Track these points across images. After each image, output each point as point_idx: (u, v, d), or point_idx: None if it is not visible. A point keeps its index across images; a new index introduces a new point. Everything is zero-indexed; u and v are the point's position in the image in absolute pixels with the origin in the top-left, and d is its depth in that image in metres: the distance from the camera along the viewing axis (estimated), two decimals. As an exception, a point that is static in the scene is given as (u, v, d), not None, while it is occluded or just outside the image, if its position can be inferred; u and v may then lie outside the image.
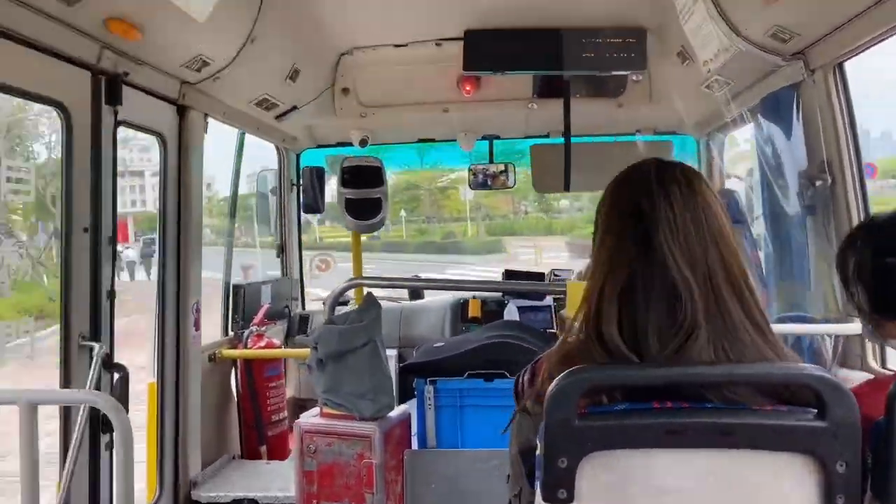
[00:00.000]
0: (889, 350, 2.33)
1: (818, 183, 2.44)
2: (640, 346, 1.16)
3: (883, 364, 2.32)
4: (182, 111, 2.70)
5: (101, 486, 2.15)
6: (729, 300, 1.16)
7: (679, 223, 1.17)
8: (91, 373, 2.05)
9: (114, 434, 1.48)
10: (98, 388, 2.12)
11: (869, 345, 2.35)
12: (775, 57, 2.44)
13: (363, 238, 3.13)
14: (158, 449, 2.70)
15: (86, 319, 2.14)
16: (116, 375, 2.19)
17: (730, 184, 3.97)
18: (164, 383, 2.71)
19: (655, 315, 1.16)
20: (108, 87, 2.18)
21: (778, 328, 2.57)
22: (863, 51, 2.22)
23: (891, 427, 1.06)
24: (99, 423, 2.08)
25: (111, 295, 2.22)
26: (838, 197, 2.41)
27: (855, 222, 2.34)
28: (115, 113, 2.23)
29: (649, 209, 1.19)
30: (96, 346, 2.09)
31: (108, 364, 2.16)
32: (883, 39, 2.10)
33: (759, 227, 2.98)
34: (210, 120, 2.94)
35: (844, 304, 2.40)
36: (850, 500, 1.06)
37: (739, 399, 1.11)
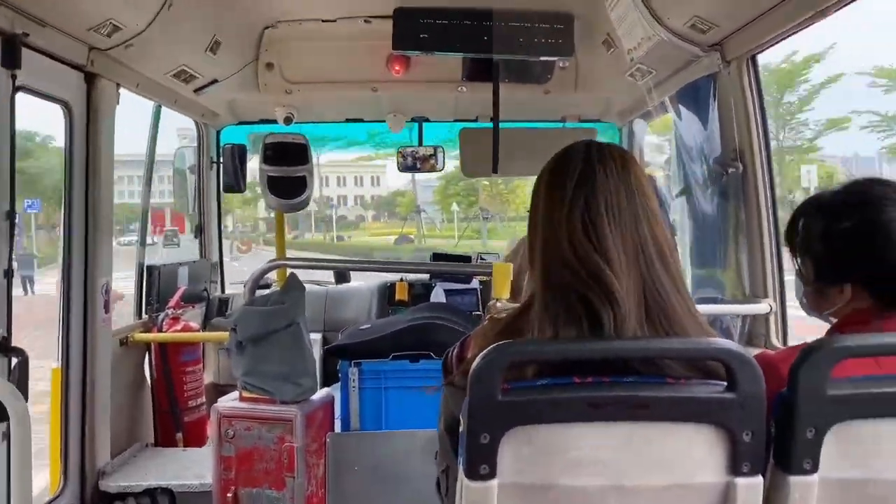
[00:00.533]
0: (791, 330, 2.48)
1: (730, 170, 2.55)
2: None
3: (784, 342, 2.47)
4: (90, 79, 2.52)
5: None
6: (662, 273, 1.20)
7: (614, 195, 1.22)
8: None
9: (10, 423, 1.37)
10: None
11: (772, 325, 2.49)
12: (694, 47, 2.52)
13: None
14: (62, 438, 2.54)
15: None
16: (14, 360, 2.03)
17: (649, 171, 4.11)
18: (68, 368, 2.55)
19: (587, 283, 1.18)
20: (5, 48, 2.01)
21: (692, 308, 2.71)
22: (774, 43, 2.33)
23: (793, 398, 1.11)
24: None
25: (7, 274, 2.06)
26: (748, 183, 2.53)
27: (764, 206, 2.47)
28: (13, 77, 2.06)
29: (591, 180, 1.23)
30: None
31: (5, 348, 2.00)
32: (793, 33, 2.21)
33: (675, 212, 3.10)
34: (124, 91, 2.77)
35: (752, 287, 2.54)
36: (755, 468, 1.11)
37: (666, 372, 1.14)
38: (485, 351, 1.11)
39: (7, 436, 1.97)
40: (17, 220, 2.13)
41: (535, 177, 1.33)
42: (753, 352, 2.18)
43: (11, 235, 2.09)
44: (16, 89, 2.08)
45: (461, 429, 1.13)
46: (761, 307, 2.43)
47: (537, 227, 1.28)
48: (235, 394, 2.41)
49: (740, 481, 1.10)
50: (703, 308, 2.64)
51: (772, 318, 2.46)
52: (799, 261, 1.39)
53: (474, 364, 1.11)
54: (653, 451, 1.10)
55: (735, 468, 1.10)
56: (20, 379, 2.03)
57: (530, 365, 1.18)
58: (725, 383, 1.11)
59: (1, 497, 1.98)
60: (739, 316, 2.54)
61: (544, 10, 3.16)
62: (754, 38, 2.33)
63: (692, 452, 1.11)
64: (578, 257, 1.19)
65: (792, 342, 2.40)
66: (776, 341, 2.46)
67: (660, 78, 2.95)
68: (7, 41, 2.00)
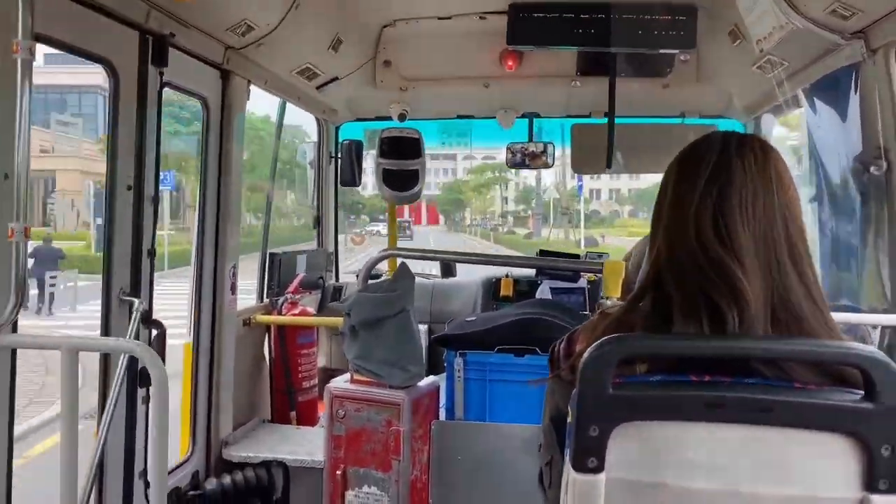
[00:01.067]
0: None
1: (873, 169, 2.34)
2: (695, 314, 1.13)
3: (931, 358, 2.24)
4: (225, 76, 2.72)
5: (136, 439, 2.21)
6: (791, 274, 1.13)
7: (750, 192, 1.15)
8: (130, 327, 2.10)
9: (151, 387, 1.51)
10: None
11: (917, 338, 2.27)
12: (834, 35, 2.33)
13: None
14: (192, 408, 2.76)
15: (126, 276, 2.18)
16: (154, 332, 2.23)
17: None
18: (199, 344, 2.76)
19: (711, 280, 1.12)
20: (155, 48, 2.21)
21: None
22: (929, 30, 2.11)
23: None
24: (137, 377, 2.13)
25: (151, 253, 2.26)
26: (893, 183, 2.31)
27: None
28: (161, 74, 2.26)
29: (726, 172, 1.16)
30: (136, 301, 2.14)
31: (147, 320, 2.21)
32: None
33: (808, 213, 2.88)
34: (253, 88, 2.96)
35: (893, 295, 2.32)
36: (894, 486, 1.02)
37: (790, 376, 1.07)
38: (598, 342, 1.09)
39: (147, 400, 2.18)
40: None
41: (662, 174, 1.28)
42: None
43: (156, 218, 2.29)
44: (163, 85, 2.28)
45: (569, 420, 1.12)
46: (903, 318, 2.21)
47: (662, 218, 1.22)
48: (347, 376, 2.52)
49: (876, 499, 1.02)
50: (836, 316, 2.46)
51: (917, 331, 2.24)
52: None
53: (586, 354, 1.09)
54: (774, 459, 1.04)
55: (870, 484, 1.02)
56: (159, 349, 2.23)
57: (642, 361, 1.15)
58: (862, 392, 1.03)
59: (140, 455, 2.20)
60: (878, 327, 2.32)
61: (666, 1, 3.04)
62: None
63: (820, 463, 1.04)
64: (706, 253, 1.14)
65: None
66: (920, 356, 2.23)
67: (792, 69, 2.76)
68: (157, 41, 2.20)
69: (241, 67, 2.74)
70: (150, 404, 1.51)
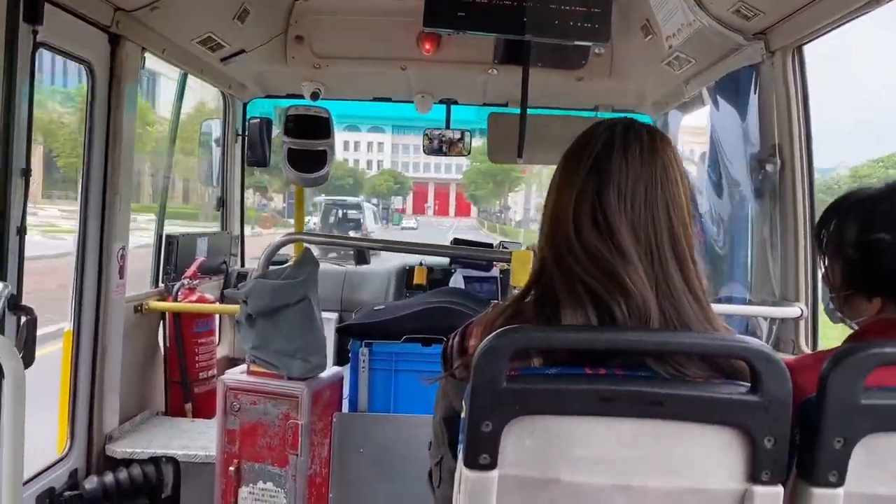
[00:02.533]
0: (821, 336, 2.37)
1: (768, 166, 2.43)
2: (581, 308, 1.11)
3: (814, 348, 2.36)
4: (115, 41, 2.49)
5: None
6: (672, 268, 1.12)
7: (630, 183, 1.13)
8: None
9: (3, 381, 1.35)
10: (1, 331, 1.95)
11: (802, 330, 2.38)
12: (737, 35, 2.41)
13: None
14: (71, 400, 2.55)
15: None
16: (23, 319, 2.02)
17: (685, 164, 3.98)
18: (80, 331, 2.54)
19: (593, 273, 1.11)
20: (27, 3, 1.98)
21: (718, 308, 2.61)
22: (822, 34, 2.21)
23: (822, 405, 1.03)
24: None
25: (21, 231, 2.04)
26: (786, 181, 2.41)
27: (801, 206, 2.35)
28: (35, 33, 2.03)
29: (606, 163, 1.14)
30: (0, 285, 1.92)
31: (14, 306, 1.99)
32: (842, 24, 2.09)
33: (707, 208, 2.98)
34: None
35: (783, 290, 2.42)
36: (776, 476, 1.04)
37: (680, 369, 1.07)
38: (491, 335, 1.05)
39: None
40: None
41: None
42: (783, 357, 2.10)
43: (26, 193, 2.07)
44: (37, 45, 2.05)
45: (462, 415, 1.08)
46: (792, 311, 2.32)
47: (547, 210, 1.20)
48: (244, 367, 2.38)
49: (759, 490, 1.03)
50: (728, 308, 2.56)
51: (802, 323, 2.35)
52: (826, 265, 1.29)
53: (479, 348, 1.05)
54: (665, 452, 1.04)
55: (754, 475, 1.03)
56: (27, 338, 2.01)
57: (538, 353, 1.11)
58: (749, 384, 1.04)
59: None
60: (767, 319, 2.43)
61: None
62: (802, 28, 2.21)
63: (708, 456, 1.04)
64: (584, 245, 1.12)
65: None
66: (805, 347, 2.35)
67: (698, 68, 2.84)
68: None
69: (133, 32, 2.52)
70: (3, 399, 1.34)
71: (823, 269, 1.32)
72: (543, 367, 1.12)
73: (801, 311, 2.33)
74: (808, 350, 2.35)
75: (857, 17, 1.99)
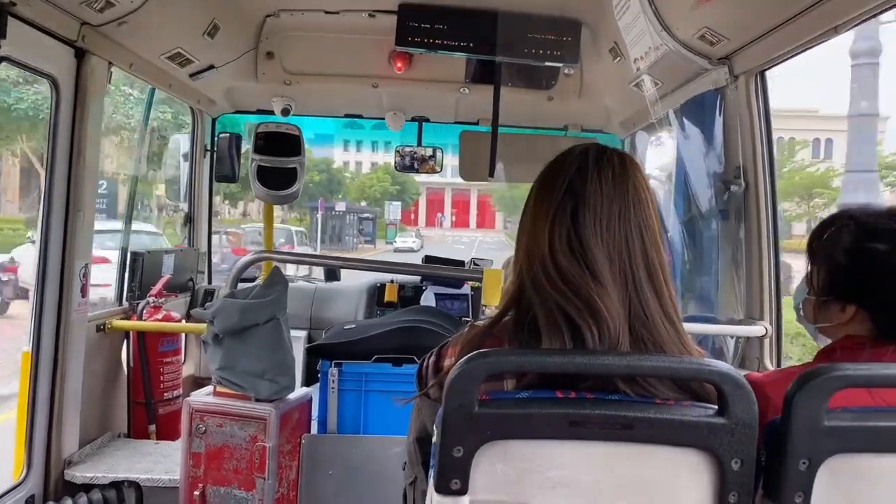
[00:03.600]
0: (784, 354, 2.42)
1: (733, 187, 2.49)
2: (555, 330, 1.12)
3: (778, 366, 2.40)
4: (81, 55, 2.45)
5: None
6: (646, 291, 1.14)
7: (605, 207, 1.15)
8: None
9: None
10: None
11: (766, 348, 2.43)
12: (702, 59, 2.46)
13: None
14: (28, 424, 2.45)
15: None
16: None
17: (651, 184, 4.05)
18: (39, 352, 2.46)
19: (568, 297, 1.11)
20: None
21: (686, 327, 2.65)
22: (784, 60, 2.27)
23: (787, 426, 1.05)
24: None
25: None
26: (750, 202, 2.46)
27: (765, 227, 2.41)
28: None
29: (580, 187, 1.16)
30: None
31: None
32: (804, 50, 2.15)
33: (673, 228, 3.03)
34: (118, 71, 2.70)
35: (748, 309, 2.47)
36: (743, 497, 1.05)
37: (650, 392, 1.08)
38: (462, 359, 1.05)
39: None
40: None
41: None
42: (744, 373, 2.13)
43: None
44: (0, 59, 2.00)
45: (434, 440, 1.07)
46: (756, 329, 2.36)
47: (523, 232, 1.22)
48: (210, 388, 2.33)
49: None
50: (696, 327, 2.60)
51: (766, 342, 2.40)
52: (813, 268, 1.34)
53: (451, 373, 1.04)
54: (635, 475, 1.04)
55: (722, 497, 1.04)
56: None
57: (511, 376, 1.11)
58: (716, 407, 1.05)
59: None
60: (733, 337, 2.47)
61: (551, 15, 3.10)
62: (764, 54, 2.28)
63: (677, 478, 1.05)
64: (559, 270, 1.13)
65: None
66: (770, 364, 2.39)
67: (665, 90, 2.90)
68: None
69: (100, 47, 2.48)
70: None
71: (807, 273, 1.35)
72: (515, 390, 1.12)
73: (766, 329, 2.37)
74: (771, 367, 2.39)
75: (817, 44, 2.05)
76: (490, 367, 1.06)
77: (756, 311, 2.42)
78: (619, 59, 3.01)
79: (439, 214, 56.27)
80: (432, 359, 1.28)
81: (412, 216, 51.66)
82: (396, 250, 35.99)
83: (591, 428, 1.04)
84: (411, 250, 34.99)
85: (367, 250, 36.46)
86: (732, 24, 2.24)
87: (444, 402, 1.04)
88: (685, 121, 2.87)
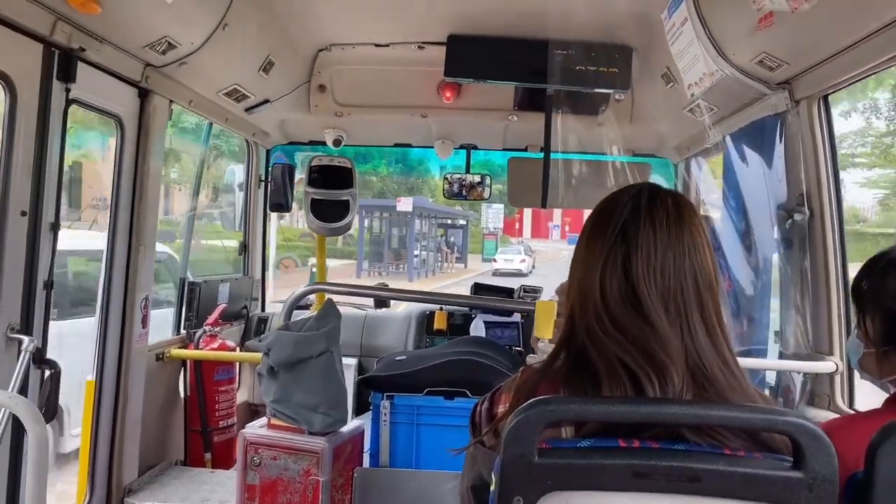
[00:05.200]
0: (857, 392, 2.29)
1: (796, 216, 2.39)
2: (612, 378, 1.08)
3: (851, 405, 2.28)
4: (144, 94, 2.55)
5: (21, 491, 1.98)
6: (702, 338, 1.10)
7: (659, 254, 1.11)
8: (18, 368, 1.89)
9: (28, 445, 1.34)
10: (25, 385, 1.95)
11: (838, 385, 2.30)
12: (761, 85, 2.39)
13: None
14: (91, 451, 2.53)
15: (17, 310, 1.97)
16: (47, 372, 2.02)
17: (705, 210, 3.95)
18: (102, 381, 2.54)
19: (625, 348, 1.08)
20: (62, 62, 2.03)
21: (749, 362, 2.55)
22: (848, 85, 2.19)
23: (870, 481, 0.98)
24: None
25: (48, 285, 2.05)
26: (815, 231, 2.36)
27: (832, 257, 2.30)
28: (67, 90, 2.08)
29: (633, 233, 1.12)
30: (26, 339, 1.93)
31: (39, 360, 1.99)
32: (868, 75, 2.07)
33: (731, 256, 2.93)
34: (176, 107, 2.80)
35: (816, 343, 2.36)
36: None
37: (718, 441, 1.03)
38: (522, 406, 1.02)
39: (23, 454, 1.96)
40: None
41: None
42: (818, 413, 2.02)
43: (54, 247, 2.09)
44: (69, 102, 2.10)
45: (492, 488, 1.04)
46: (826, 365, 2.25)
47: (575, 273, 1.18)
48: (264, 420, 2.35)
49: None
50: (760, 363, 2.50)
51: (837, 378, 2.28)
52: (865, 316, 1.26)
53: (509, 420, 1.02)
54: None
55: None
56: (51, 391, 2.01)
57: (569, 422, 1.08)
58: (791, 459, 0.99)
59: None
60: (801, 373, 2.36)
61: (602, 41, 3.08)
62: (827, 78, 2.20)
63: None
64: (614, 319, 1.10)
65: (860, 407, 2.21)
66: (842, 403, 2.27)
67: (721, 115, 2.83)
68: (64, 55, 2.03)
69: (162, 86, 2.58)
70: (28, 466, 1.33)
71: (859, 323, 1.28)
72: (575, 438, 1.08)
73: (836, 365, 2.25)
74: (844, 406, 2.27)
75: (886, 69, 1.97)
76: (551, 416, 1.03)
77: (825, 345, 2.30)
78: (671, 84, 2.96)
79: (551, 223, 41.65)
80: (485, 405, 1.24)
81: (516, 225, 39.00)
82: (497, 273, 25.61)
83: (657, 480, 1.00)
84: (519, 274, 25.14)
85: (454, 275, 26.51)
86: (793, 49, 2.17)
87: (503, 449, 1.01)
88: (743, 146, 2.79)
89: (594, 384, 1.10)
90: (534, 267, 28.61)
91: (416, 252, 25.97)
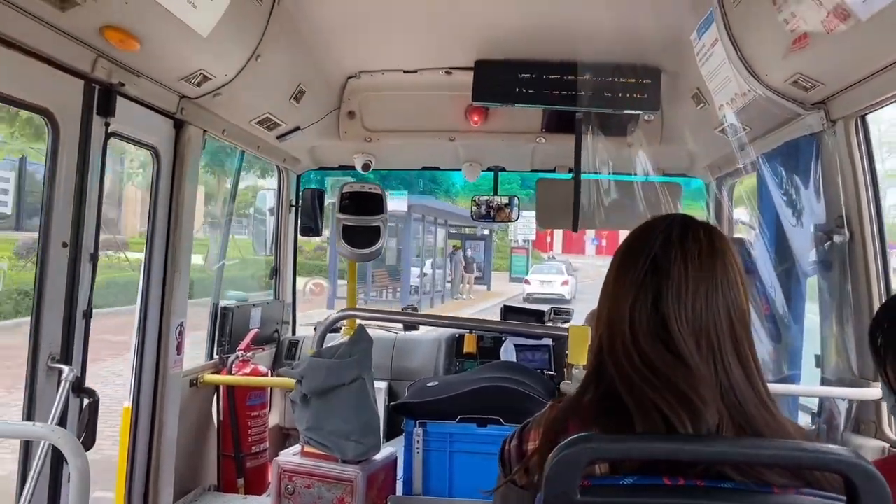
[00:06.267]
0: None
1: (835, 237, 2.34)
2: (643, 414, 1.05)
3: (900, 432, 2.20)
4: (179, 125, 2.61)
5: None
6: (737, 374, 1.07)
7: (691, 288, 1.08)
8: (58, 398, 1.92)
9: (70, 477, 1.35)
10: (65, 414, 1.99)
11: (884, 412, 2.23)
12: (795, 105, 2.35)
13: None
14: (128, 477, 2.55)
15: (57, 339, 2.01)
16: (86, 401, 2.05)
17: (738, 230, 3.89)
18: (138, 407, 2.57)
19: (656, 387, 1.05)
20: (101, 98, 2.09)
21: (794, 389, 2.48)
22: (887, 104, 2.14)
23: None
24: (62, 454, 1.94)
25: (87, 315, 2.09)
26: (856, 254, 2.30)
27: (875, 279, 2.24)
28: (107, 124, 2.14)
29: (664, 267, 1.10)
30: (66, 368, 1.96)
31: (78, 388, 2.03)
32: (909, 94, 2.02)
33: (768, 278, 2.87)
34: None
35: (860, 368, 2.29)
36: None
37: (762, 478, 1.00)
38: (564, 443, 1.00)
39: (60, 485, 1.98)
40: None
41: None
42: (864, 441, 1.95)
43: (94, 277, 2.13)
44: (108, 136, 2.15)
45: None
46: (872, 392, 2.18)
47: (604, 305, 1.16)
48: (297, 447, 2.35)
49: None
50: (805, 390, 2.43)
51: (884, 405, 2.20)
52: (886, 367, 1.21)
53: (551, 457, 1.00)
54: None
55: None
56: (90, 420, 2.04)
57: (603, 460, 1.05)
58: (844, 498, 0.96)
59: None
60: (846, 400, 2.29)
61: (631, 63, 3.07)
62: (864, 98, 2.15)
63: None
64: (644, 357, 1.07)
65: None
66: (889, 431, 2.19)
67: (754, 135, 2.79)
68: (104, 91, 2.09)
69: (196, 117, 2.63)
70: (70, 498, 1.34)
71: (882, 374, 1.24)
72: (614, 475, 1.06)
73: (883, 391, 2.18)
74: (891, 433, 2.19)
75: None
76: (594, 453, 1.01)
77: (870, 371, 2.23)
78: (702, 105, 2.93)
79: (585, 236, 34.17)
80: (514, 442, 1.20)
81: (548, 238, 33.63)
82: (530, 299, 20.12)
83: (706, 520, 0.97)
84: (560, 300, 19.13)
85: (472, 301, 20.90)
86: (828, 70, 2.14)
87: (544, 488, 0.99)
88: (777, 166, 2.74)
89: (626, 422, 1.07)
90: (576, 291, 23.16)
91: (421, 270, 19.60)
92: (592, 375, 1.15)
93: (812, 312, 2.61)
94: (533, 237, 27.95)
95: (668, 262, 1.10)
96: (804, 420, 2.56)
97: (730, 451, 1.02)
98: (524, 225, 24.05)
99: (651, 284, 1.09)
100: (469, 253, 24.29)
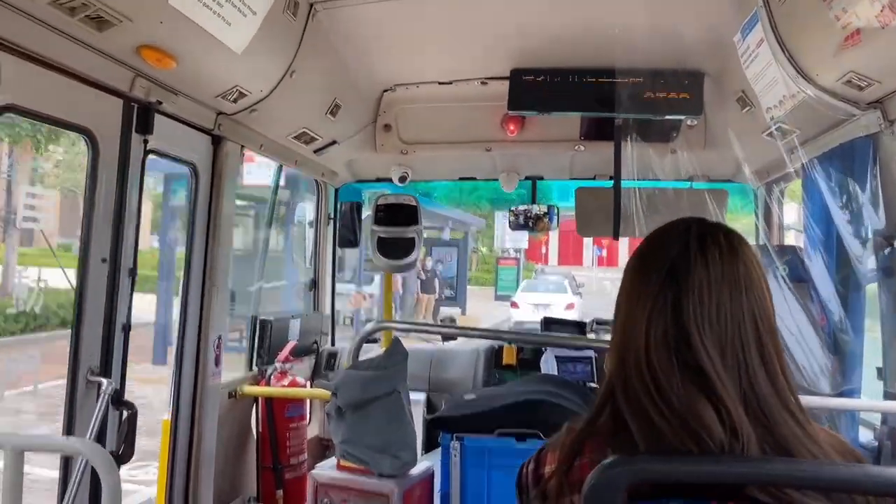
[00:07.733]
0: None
1: (896, 243, 2.20)
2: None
3: (971, 453, 2.05)
4: (217, 141, 2.64)
5: None
6: (764, 386, 0.99)
7: (713, 293, 1.01)
8: (97, 411, 1.94)
9: (102, 491, 1.36)
10: (104, 426, 2.01)
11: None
12: (849, 105, 2.24)
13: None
14: (167, 489, 2.57)
15: (97, 353, 2.04)
16: (125, 413, 2.07)
17: (789, 237, 3.74)
18: (178, 420, 2.59)
19: (679, 400, 0.98)
20: (140, 116, 2.13)
21: (853, 403, 2.34)
22: (951, 100, 2.01)
23: None
24: None
25: (126, 329, 2.12)
26: (919, 260, 2.17)
27: None
28: (146, 142, 2.17)
29: (683, 274, 1.03)
30: (105, 381, 1.99)
31: (117, 401, 2.05)
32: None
33: (823, 287, 2.73)
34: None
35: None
36: None
37: (789, 498, 0.93)
38: (603, 464, 0.94)
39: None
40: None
41: None
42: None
43: (132, 291, 2.16)
44: (147, 153, 2.19)
45: None
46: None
47: (616, 324, 1.09)
48: (333, 460, 2.33)
49: None
50: (865, 404, 2.29)
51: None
52: None
53: (590, 479, 0.95)
54: None
55: None
56: (128, 432, 2.06)
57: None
58: None
59: None
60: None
61: (672, 67, 2.98)
62: None
63: None
64: (655, 379, 0.99)
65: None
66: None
67: (805, 137, 2.66)
68: (142, 109, 2.12)
69: (234, 133, 2.66)
70: (102, 512, 1.35)
71: None
72: (656, 499, 0.99)
73: (949, 407, 2.04)
74: (963, 453, 2.04)
75: None
76: (634, 475, 0.95)
77: (937, 385, 2.09)
78: (747, 108, 2.82)
79: (594, 246, 28.97)
80: (531, 465, 1.14)
81: (542, 248, 28.78)
82: (515, 324, 16.02)
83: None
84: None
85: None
86: (884, 67, 2.02)
87: None
88: (830, 169, 2.61)
89: (636, 444, 1.00)
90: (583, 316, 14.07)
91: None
92: (606, 396, 1.08)
93: (873, 321, 2.47)
94: (525, 245, 23.37)
95: (687, 267, 1.03)
96: (866, 436, 2.42)
97: (785, 474, 0.95)
98: (515, 234, 17.10)
99: (669, 293, 1.02)
100: (434, 264, 17.10)
